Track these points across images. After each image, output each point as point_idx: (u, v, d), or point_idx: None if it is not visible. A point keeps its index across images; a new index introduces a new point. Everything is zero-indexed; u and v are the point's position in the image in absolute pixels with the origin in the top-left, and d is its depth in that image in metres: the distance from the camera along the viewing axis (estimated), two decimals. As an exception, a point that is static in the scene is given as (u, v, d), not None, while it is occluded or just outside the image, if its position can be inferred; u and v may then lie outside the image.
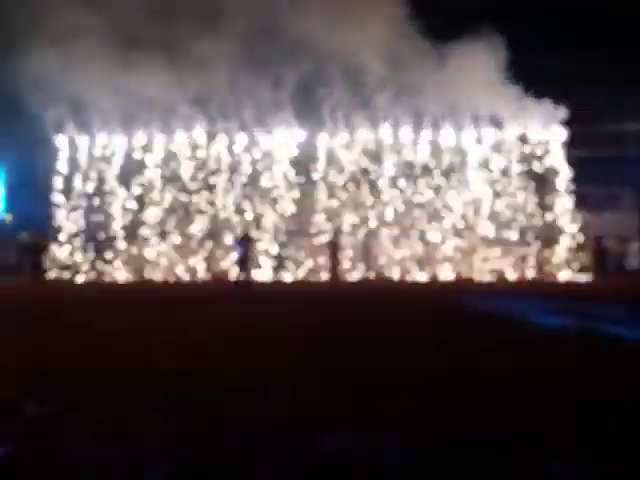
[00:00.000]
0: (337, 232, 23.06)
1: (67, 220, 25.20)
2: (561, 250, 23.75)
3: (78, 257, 25.12)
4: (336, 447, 3.67)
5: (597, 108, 25.02)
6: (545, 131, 23.78)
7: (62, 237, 25.15)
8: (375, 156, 24.50)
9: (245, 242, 17.71)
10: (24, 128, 23.47)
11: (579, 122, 23.76)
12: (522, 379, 5.55)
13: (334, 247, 22.21)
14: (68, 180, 25.43)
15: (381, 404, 4.60)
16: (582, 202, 24.21)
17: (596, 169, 25.76)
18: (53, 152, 25.41)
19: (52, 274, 24.80)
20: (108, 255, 24.87)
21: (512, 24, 22.18)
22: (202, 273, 24.44)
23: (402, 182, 24.37)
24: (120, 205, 25.19)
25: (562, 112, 22.97)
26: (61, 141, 25.47)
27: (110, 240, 24.98)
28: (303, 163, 24.61)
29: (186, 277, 24.31)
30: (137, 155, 25.31)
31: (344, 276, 23.05)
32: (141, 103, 22.60)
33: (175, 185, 25.24)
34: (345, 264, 23.47)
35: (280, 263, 24.19)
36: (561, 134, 23.65)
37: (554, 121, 23.28)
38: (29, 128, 23.09)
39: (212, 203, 24.87)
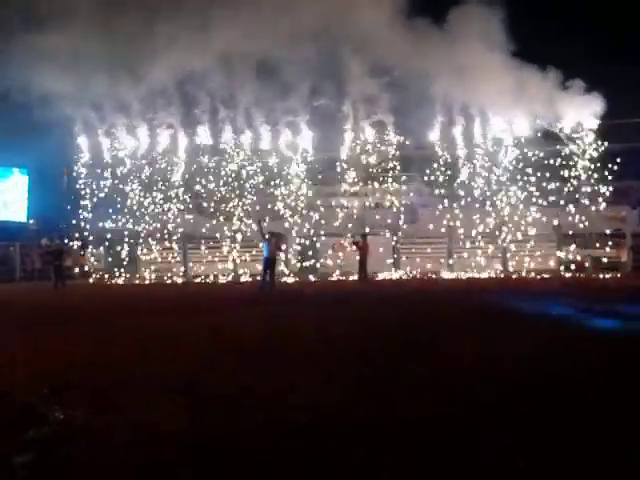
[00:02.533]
0: (364, 233, 22.34)
1: (89, 224, 24.81)
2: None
3: (101, 261, 24.81)
4: None
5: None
6: (578, 123, 22.79)
7: (84, 241, 24.85)
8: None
9: (271, 241, 17.01)
10: (45, 133, 23.15)
11: (615, 114, 22.67)
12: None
13: (362, 248, 21.46)
14: (91, 183, 25.08)
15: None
16: (622, 196, 23.18)
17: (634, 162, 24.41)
18: (74, 155, 25.06)
19: (77, 278, 24.57)
20: (131, 258, 24.49)
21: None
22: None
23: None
24: (144, 207, 24.78)
25: (598, 103, 21.97)
26: (82, 143, 25.12)
27: (134, 243, 24.59)
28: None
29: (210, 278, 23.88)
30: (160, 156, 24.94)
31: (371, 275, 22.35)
32: (162, 101, 22.27)
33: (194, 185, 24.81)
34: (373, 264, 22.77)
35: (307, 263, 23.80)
36: (594, 125, 22.65)
37: (588, 113, 22.26)
38: (50, 132, 22.78)
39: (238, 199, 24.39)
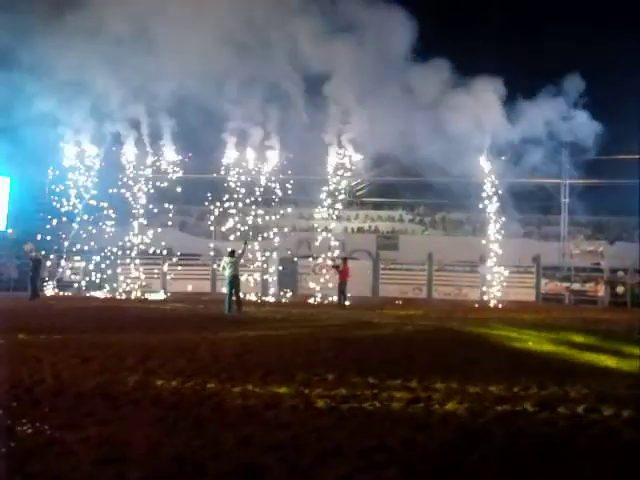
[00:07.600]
0: (345, 257, 22.20)
1: (70, 235, 24.36)
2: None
3: (80, 273, 24.45)
4: None
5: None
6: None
7: (64, 252, 24.42)
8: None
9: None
10: (30, 141, 22.73)
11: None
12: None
13: (342, 271, 21.32)
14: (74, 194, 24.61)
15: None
16: (598, 231, 23.37)
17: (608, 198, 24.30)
18: (60, 165, 24.58)
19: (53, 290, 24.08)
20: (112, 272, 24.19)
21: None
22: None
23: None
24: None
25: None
26: (68, 153, 24.65)
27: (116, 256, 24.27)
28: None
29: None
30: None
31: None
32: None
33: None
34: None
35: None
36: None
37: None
38: (35, 140, 22.41)
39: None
